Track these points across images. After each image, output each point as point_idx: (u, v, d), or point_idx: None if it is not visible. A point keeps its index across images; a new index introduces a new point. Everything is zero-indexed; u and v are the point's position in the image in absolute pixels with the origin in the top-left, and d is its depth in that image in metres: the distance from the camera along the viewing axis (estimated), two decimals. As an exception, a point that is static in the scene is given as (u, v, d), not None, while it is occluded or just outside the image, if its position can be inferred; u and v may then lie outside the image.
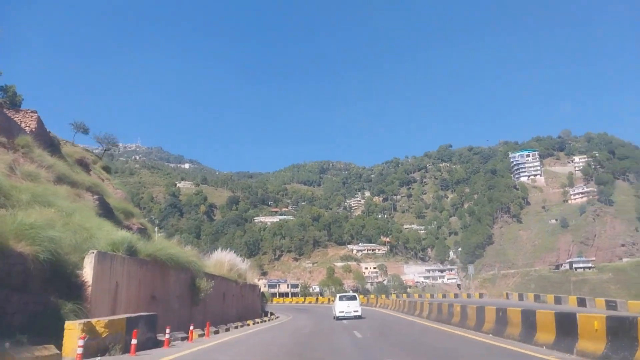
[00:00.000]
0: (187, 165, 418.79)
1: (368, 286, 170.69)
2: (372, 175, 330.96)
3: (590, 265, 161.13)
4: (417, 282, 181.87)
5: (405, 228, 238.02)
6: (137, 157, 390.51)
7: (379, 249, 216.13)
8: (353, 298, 36.40)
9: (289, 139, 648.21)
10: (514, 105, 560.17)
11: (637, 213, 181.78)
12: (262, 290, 59.52)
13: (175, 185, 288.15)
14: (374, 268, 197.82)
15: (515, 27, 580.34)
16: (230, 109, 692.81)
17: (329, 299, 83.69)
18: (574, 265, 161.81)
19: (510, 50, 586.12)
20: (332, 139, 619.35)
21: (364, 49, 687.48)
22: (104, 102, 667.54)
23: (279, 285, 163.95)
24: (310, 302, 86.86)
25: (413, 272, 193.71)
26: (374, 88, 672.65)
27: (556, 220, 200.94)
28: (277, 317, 44.43)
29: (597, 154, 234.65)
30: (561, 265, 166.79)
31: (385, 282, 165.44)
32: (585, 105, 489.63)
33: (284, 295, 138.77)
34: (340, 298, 36.30)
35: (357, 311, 33.93)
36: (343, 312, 33.98)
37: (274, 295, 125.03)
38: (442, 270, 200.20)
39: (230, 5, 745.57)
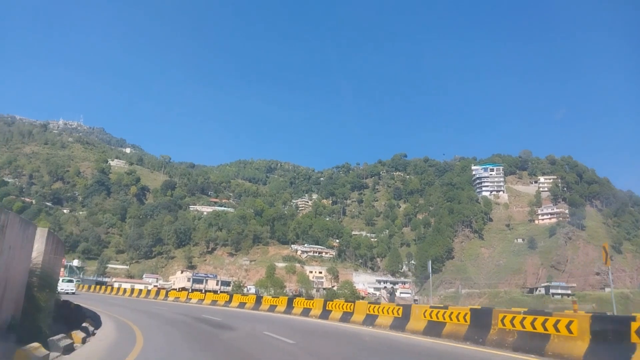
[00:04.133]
0: (128, 150, 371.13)
1: (313, 292, 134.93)
2: (322, 179, 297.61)
3: (569, 292, 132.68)
4: (370, 293, 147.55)
5: (354, 234, 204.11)
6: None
7: (326, 252, 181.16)
8: None
9: (237, 134, 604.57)
10: (470, 122, 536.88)
11: (612, 241, 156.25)
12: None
13: (107, 162, 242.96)
14: (320, 272, 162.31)
15: (480, 41, 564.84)
16: (178, 97, 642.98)
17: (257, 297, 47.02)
18: (551, 291, 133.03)
19: (470, 66, 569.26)
20: (281, 138, 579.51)
21: (323, 47, 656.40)
22: (46, 74, 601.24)
23: (206, 280, 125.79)
24: (220, 303, 50.11)
25: (363, 282, 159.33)
26: (328, 91, 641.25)
27: (523, 240, 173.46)
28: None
29: (565, 176, 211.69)
30: (535, 289, 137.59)
31: (335, 289, 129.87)
32: (544, 128, 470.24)
33: (211, 292, 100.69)
34: None
35: None
36: None
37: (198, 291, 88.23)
38: (394, 283, 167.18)
39: None
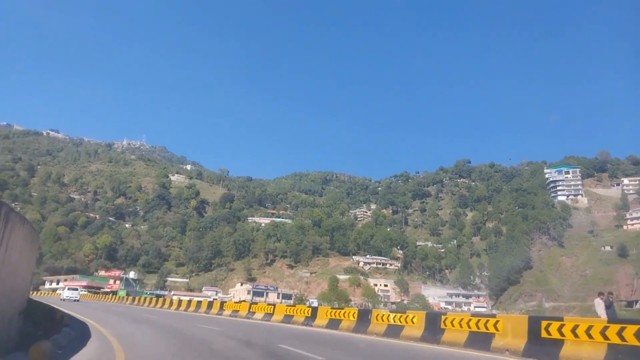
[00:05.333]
0: (188, 167, 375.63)
1: (381, 307, 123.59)
2: (379, 188, 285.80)
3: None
4: (442, 307, 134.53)
5: (419, 245, 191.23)
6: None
7: (390, 264, 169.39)
8: None
9: (292, 147, 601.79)
10: (536, 125, 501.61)
11: None
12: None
13: (167, 177, 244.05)
14: (385, 285, 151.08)
15: (539, 41, 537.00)
16: (235, 114, 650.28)
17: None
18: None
19: (531, 68, 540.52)
20: (336, 150, 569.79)
21: (375, 57, 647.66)
22: (111, 98, 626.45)
23: (266, 293, 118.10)
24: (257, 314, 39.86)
25: (432, 295, 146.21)
26: (381, 101, 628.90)
27: (611, 247, 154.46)
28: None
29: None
30: (636, 302, 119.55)
31: (405, 303, 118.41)
32: (620, 127, 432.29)
33: (283, 305, 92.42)
34: None
35: None
36: None
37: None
38: (467, 296, 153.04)
39: (242, 10, 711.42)
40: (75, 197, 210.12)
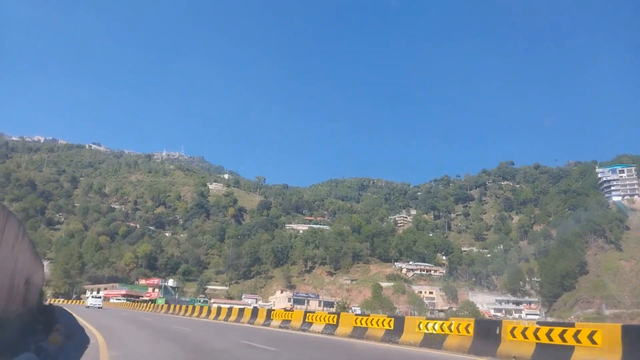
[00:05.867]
0: (226, 176, 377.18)
1: (428, 315, 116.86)
2: (419, 193, 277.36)
3: None
4: (492, 315, 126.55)
5: (464, 250, 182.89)
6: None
7: (434, 270, 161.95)
8: None
9: (327, 155, 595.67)
10: (583, 125, 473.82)
11: None
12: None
13: (205, 185, 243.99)
14: (430, 292, 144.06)
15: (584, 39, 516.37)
16: (271, 124, 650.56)
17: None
18: None
19: (571, 67, 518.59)
20: (372, 156, 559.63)
21: (408, 63, 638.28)
22: (150, 111, 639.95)
23: (307, 301, 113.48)
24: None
25: (480, 302, 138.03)
26: (417, 106, 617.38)
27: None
28: None
29: None
30: None
31: (453, 310, 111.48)
32: None
33: (349, 314, 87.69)
34: None
35: None
36: None
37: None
38: (517, 303, 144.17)
39: (276, 24, 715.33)
40: (116, 207, 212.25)
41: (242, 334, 17.56)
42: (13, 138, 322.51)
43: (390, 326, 15.60)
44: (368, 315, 16.96)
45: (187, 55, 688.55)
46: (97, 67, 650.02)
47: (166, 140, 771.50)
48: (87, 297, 62.57)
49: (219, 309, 32.02)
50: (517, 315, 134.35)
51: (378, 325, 15.96)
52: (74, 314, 30.68)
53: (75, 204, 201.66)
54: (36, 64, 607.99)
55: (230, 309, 29.46)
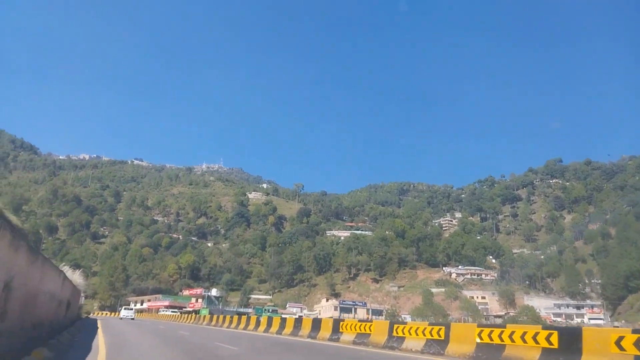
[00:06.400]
0: (264, 185, 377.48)
1: (483, 321, 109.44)
2: (463, 195, 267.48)
3: None
4: (552, 320, 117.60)
5: (515, 253, 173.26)
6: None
7: (486, 274, 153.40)
8: None
9: (365, 160, 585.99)
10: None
11: None
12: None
13: (245, 195, 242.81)
14: (483, 297, 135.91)
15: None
16: (308, 132, 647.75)
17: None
18: None
19: (618, 58, 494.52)
20: (411, 160, 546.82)
21: (446, 63, 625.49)
22: (190, 125, 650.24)
23: (355, 309, 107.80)
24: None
25: (537, 306, 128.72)
26: (456, 107, 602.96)
27: None
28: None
29: None
30: None
31: (511, 315, 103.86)
32: None
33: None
34: None
35: None
36: None
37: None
38: (578, 306, 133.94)
39: (312, 32, 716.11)
40: (159, 219, 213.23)
41: (316, 357, 12.82)
42: (60, 157, 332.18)
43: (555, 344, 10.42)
44: (503, 327, 11.79)
45: (222, 71, 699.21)
46: (139, 86, 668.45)
47: (205, 153, 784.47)
48: (121, 310, 65.72)
49: (270, 319, 27.50)
50: (578, 320, 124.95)
51: (533, 342, 10.76)
52: (99, 327, 27.05)
53: (119, 218, 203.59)
54: (81, 86, 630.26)
55: (283, 320, 24.90)
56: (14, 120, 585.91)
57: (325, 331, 18.26)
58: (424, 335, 13.04)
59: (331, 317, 45.62)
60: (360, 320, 17.04)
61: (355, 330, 16.26)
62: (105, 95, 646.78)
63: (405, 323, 14.93)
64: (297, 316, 49.50)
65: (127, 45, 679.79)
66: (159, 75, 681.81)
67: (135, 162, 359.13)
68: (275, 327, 23.96)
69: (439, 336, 12.67)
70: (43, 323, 14.70)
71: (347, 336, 16.47)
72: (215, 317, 38.34)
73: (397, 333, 14.13)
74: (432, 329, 12.96)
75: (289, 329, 22.11)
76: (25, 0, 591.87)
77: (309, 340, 18.42)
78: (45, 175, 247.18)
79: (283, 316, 32.34)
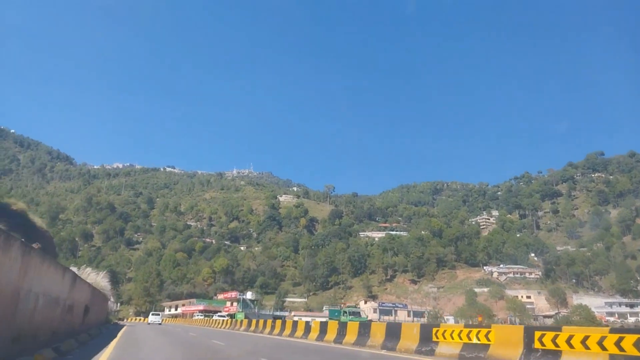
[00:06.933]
0: (295, 188, 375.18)
1: (531, 322, 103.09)
2: (499, 193, 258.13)
3: None
4: (606, 319, 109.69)
5: (559, 250, 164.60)
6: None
7: (530, 273, 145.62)
8: None
9: (396, 161, 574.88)
10: None
11: None
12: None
13: (276, 198, 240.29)
14: (528, 297, 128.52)
15: None
16: (336, 134, 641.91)
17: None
18: None
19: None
20: (445, 158, 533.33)
21: (475, 58, 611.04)
22: (219, 132, 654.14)
23: (395, 311, 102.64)
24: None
25: (587, 305, 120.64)
26: (494, 104, 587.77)
27: None
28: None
29: None
30: None
31: (563, 315, 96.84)
32: None
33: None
34: None
35: None
36: None
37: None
38: (631, 305, 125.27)
39: (332, 28, 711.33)
40: (192, 224, 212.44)
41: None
42: (95, 167, 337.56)
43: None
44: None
45: (249, 78, 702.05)
46: (170, 96, 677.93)
47: (235, 158, 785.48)
48: (150, 315, 66.76)
49: (324, 325, 23.03)
50: (633, 320, 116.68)
51: None
52: (119, 333, 23.77)
53: (153, 224, 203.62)
54: (114, 97, 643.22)
55: (343, 325, 20.31)
56: (50, 132, 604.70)
57: (409, 340, 13.65)
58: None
59: (370, 320, 40.27)
60: (467, 326, 12.15)
61: (462, 339, 11.59)
62: (137, 105, 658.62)
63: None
64: (385, 322, 44.56)
65: (159, 56, 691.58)
66: (189, 85, 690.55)
67: (168, 169, 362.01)
68: (331, 334, 19.60)
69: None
70: (36, 335, 10.88)
71: (447, 347, 11.85)
72: (254, 321, 33.87)
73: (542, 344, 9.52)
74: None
75: (351, 336, 17.60)
76: (60, 13, 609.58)
77: (384, 352, 13.91)
78: (80, 185, 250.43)
79: (348, 321, 26.04)
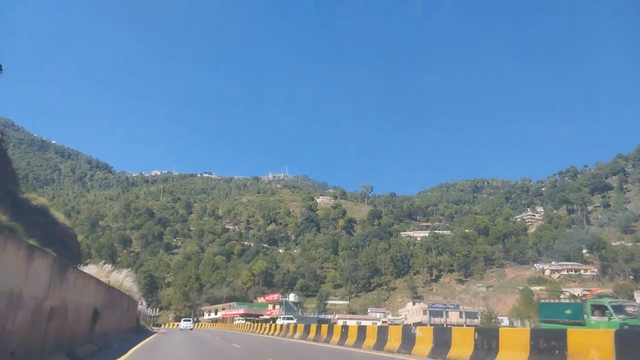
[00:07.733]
0: (330, 191, 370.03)
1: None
2: (543, 189, 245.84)
3: None
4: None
5: (614, 245, 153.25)
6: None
7: (585, 270, 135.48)
8: None
9: (434, 160, 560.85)
10: None
11: None
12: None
13: (313, 199, 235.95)
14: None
15: None
16: (372, 135, 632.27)
17: None
18: None
19: None
20: (484, 155, 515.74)
21: (516, 47, 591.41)
22: (254, 137, 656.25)
23: (446, 312, 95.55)
24: None
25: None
26: (530, 99, 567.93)
27: None
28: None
29: None
30: None
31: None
32: None
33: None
34: None
35: None
36: None
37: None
38: None
39: (367, 30, 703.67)
40: (230, 227, 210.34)
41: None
42: (133, 174, 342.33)
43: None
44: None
45: (282, 82, 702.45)
46: (205, 105, 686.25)
47: (271, 162, 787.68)
48: (181, 321, 64.81)
49: (382, 329, 17.87)
50: None
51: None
52: (145, 340, 20.47)
53: (191, 228, 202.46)
54: (150, 106, 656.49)
55: (409, 328, 15.00)
56: (90, 141, 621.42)
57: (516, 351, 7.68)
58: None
59: (419, 322, 33.83)
60: None
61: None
62: (173, 113, 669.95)
63: None
64: (403, 324, 38.52)
65: (196, 65, 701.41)
66: (224, 93, 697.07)
67: (205, 175, 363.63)
68: (426, 343, 14.09)
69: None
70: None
71: None
72: (313, 327, 27.38)
73: None
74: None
75: (424, 345, 12.02)
76: (91, 23, 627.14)
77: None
78: (119, 192, 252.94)
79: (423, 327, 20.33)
